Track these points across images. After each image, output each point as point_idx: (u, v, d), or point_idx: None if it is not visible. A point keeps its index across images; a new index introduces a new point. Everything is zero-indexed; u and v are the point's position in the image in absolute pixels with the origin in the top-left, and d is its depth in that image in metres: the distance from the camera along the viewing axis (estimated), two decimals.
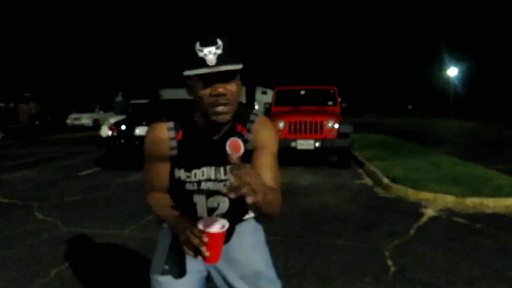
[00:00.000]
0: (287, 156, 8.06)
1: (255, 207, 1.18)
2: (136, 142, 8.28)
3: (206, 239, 1.13)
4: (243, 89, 21.75)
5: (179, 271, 1.43)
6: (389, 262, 3.34)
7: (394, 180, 6.17)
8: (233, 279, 1.46)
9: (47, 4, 24.38)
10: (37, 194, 6.11)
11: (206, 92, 1.18)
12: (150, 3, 27.99)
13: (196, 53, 1.15)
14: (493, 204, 5.00)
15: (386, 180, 6.21)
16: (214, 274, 1.50)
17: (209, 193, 1.37)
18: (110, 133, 8.66)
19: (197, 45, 1.15)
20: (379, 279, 3.02)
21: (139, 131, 8.32)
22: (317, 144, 7.71)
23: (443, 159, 8.37)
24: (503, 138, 14.89)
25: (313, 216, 4.77)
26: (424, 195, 5.42)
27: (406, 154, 9.12)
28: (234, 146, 1.24)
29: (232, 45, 1.18)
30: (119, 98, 23.56)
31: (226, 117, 1.22)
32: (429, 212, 4.85)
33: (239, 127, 1.33)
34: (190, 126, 1.33)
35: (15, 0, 23.00)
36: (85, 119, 24.43)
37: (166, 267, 1.45)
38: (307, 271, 3.18)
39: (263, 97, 28.00)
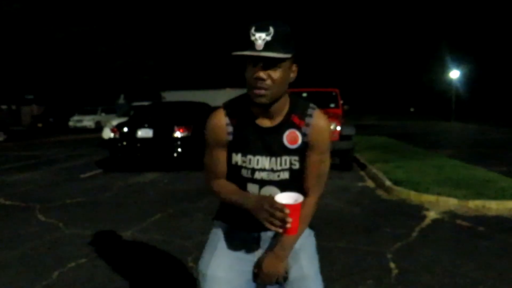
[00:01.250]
0: None
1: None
2: (138, 144, 8.30)
3: (287, 211, 1.17)
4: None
5: (227, 269, 1.44)
6: (392, 265, 3.33)
7: (396, 182, 6.16)
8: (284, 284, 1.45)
9: (50, 7, 24.46)
10: (39, 196, 6.12)
11: (250, 74, 1.25)
12: (152, 6, 28.06)
13: (249, 36, 1.20)
14: (495, 206, 4.98)
15: (388, 183, 6.19)
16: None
17: (263, 183, 1.38)
18: (112, 135, 8.67)
19: (252, 29, 1.21)
20: (381, 282, 3.01)
21: (141, 133, 8.33)
22: None
23: (446, 162, 8.35)
24: (506, 141, 14.85)
25: (315, 218, 4.74)
26: (427, 198, 5.40)
27: (408, 157, 9.10)
28: (292, 138, 1.33)
29: (285, 34, 1.22)
30: (121, 100, 23.55)
31: (263, 100, 1.25)
32: (432, 214, 4.84)
33: (295, 118, 1.35)
34: (245, 113, 1.37)
35: (19, 3, 23.09)
36: (87, 121, 24.45)
37: (214, 262, 1.46)
38: None
39: None
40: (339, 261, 3.43)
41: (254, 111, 1.35)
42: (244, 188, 1.40)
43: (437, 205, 5.21)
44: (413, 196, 5.55)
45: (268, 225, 1.20)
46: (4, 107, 28.08)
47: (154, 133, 8.28)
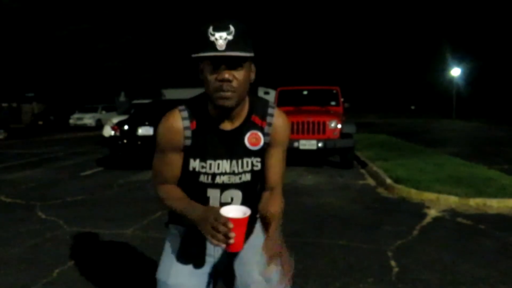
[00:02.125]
0: (289, 156, 8.02)
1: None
2: (139, 142, 8.29)
3: (231, 225, 1.12)
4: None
5: (188, 275, 1.41)
6: (392, 263, 3.32)
7: (397, 180, 6.15)
8: (246, 280, 1.43)
9: (50, 5, 24.44)
10: (40, 193, 6.12)
11: (213, 76, 1.19)
12: (153, 3, 28.02)
13: (208, 37, 1.15)
14: (496, 204, 4.98)
15: (389, 181, 6.19)
16: (237, 278, 1.45)
17: (224, 187, 1.35)
18: (112, 133, 8.68)
19: (210, 29, 1.15)
20: (382, 280, 3.01)
21: (142, 131, 8.33)
22: (319, 144, 7.70)
23: (446, 160, 8.34)
24: (507, 139, 14.83)
25: (316, 216, 4.76)
26: (427, 196, 5.40)
27: (409, 155, 9.08)
28: (254, 139, 1.30)
29: (245, 33, 1.18)
30: (121, 98, 23.53)
31: (229, 103, 1.20)
32: (432, 212, 4.83)
33: (256, 119, 1.33)
34: (204, 116, 1.31)
35: (19, 2, 23.07)
36: (88, 119, 24.45)
37: (174, 270, 1.42)
38: (309, 271, 3.17)
39: (266, 97, 27.87)
40: (340, 259, 3.42)
41: (213, 114, 1.29)
42: (203, 193, 1.36)
43: (438, 203, 5.20)
44: (414, 194, 5.54)
45: (210, 239, 1.14)
46: (4, 105, 28.10)
47: (154, 131, 8.27)
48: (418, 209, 4.99)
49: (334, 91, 9.62)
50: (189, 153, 1.32)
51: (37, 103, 30.18)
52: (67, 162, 9.67)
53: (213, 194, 1.36)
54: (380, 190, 6.16)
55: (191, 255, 1.41)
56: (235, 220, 1.14)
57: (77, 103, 27.87)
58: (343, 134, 7.90)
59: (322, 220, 4.58)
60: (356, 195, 5.88)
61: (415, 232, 4.11)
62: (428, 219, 4.56)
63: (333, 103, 9.41)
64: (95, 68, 28.59)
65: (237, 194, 1.37)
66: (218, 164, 1.32)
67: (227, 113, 1.27)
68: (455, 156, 8.90)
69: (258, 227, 1.52)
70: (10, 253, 3.66)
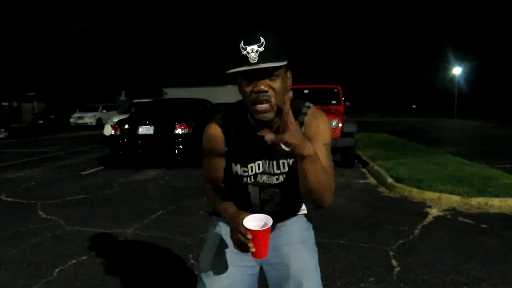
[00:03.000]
0: None
1: (307, 189, 1.19)
2: (139, 141, 8.29)
3: (250, 236, 1.16)
4: None
5: (228, 264, 1.45)
6: (394, 262, 3.31)
7: (398, 179, 6.13)
8: (284, 275, 1.44)
9: (51, 4, 24.43)
10: (41, 193, 6.11)
11: (248, 89, 1.20)
12: (153, 2, 27.99)
13: (240, 51, 1.17)
14: (498, 204, 4.96)
15: (390, 180, 6.17)
16: (267, 269, 1.49)
17: (262, 186, 1.39)
18: (113, 132, 8.67)
19: (241, 44, 1.17)
20: (383, 279, 3.00)
21: (142, 130, 8.32)
22: None
23: (448, 159, 8.32)
24: (508, 138, 14.80)
25: (316, 215, 4.74)
26: (429, 195, 5.38)
27: (410, 154, 9.07)
28: None
29: (276, 42, 1.19)
30: (122, 97, 23.59)
31: (268, 116, 1.21)
32: (434, 212, 4.82)
33: None
34: (243, 123, 1.35)
35: (20, 1, 23.06)
36: (89, 118, 24.47)
37: (215, 259, 1.47)
38: None
39: None
40: (341, 258, 3.41)
41: (252, 121, 1.32)
42: (245, 190, 1.41)
43: (439, 202, 5.18)
44: (415, 193, 5.52)
45: (234, 246, 1.22)
46: (5, 104, 28.11)
47: (155, 130, 8.27)
48: (420, 209, 4.97)
49: (335, 90, 9.60)
50: (230, 158, 1.39)
51: (38, 102, 30.20)
52: (68, 161, 9.67)
53: (253, 192, 1.41)
54: (381, 189, 6.14)
55: (231, 246, 1.41)
56: (254, 232, 1.17)
57: (77, 102, 27.88)
58: (344, 133, 7.88)
59: (322, 219, 4.57)
60: (357, 194, 5.86)
61: (417, 232, 4.09)
62: (429, 219, 4.55)
63: (334, 102, 9.39)
64: (96, 67, 28.60)
65: (276, 193, 1.41)
66: (258, 165, 1.37)
67: (266, 123, 1.27)
68: (457, 155, 8.88)
69: (302, 224, 1.54)
70: (11, 252, 3.66)
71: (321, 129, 1.34)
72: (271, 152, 1.32)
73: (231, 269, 1.44)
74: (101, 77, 29.58)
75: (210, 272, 1.45)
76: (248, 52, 1.16)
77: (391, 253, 3.50)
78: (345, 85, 10.36)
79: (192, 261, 3.37)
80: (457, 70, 37.27)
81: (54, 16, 25.09)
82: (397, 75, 52.92)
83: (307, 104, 1.38)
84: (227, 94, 19.85)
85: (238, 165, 1.37)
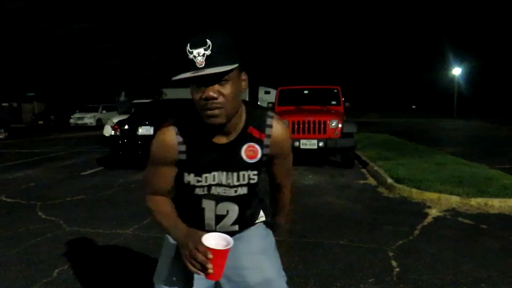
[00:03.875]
0: None
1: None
2: (139, 142, 8.28)
3: (210, 256, 1.09)
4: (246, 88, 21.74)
5: (185, 280, 1.37)
6: (393, 263, 3.31)
7: (398, 180, 6.13)
8: (243, 287, 1.41)
9: (51, 4, 24.43)
10: (40, 193, 6.11)
11: (198, 95, 1.15)
12: (153, 2, 27.99)
13: (187, 55, 1.11)
14: (498, 204, 4.96)
15: (390, 180, 6.17)
16: (222, 281, 1.42)
17: (219, 199, 1.32)
18: (113, 132, 8.67)
19: (188, 47, 1.11)
20: (383, 280, 3.00)
21: (142, 130, 8.32)
22: (320, 144, 7.68)
23: (448, 159, 8.32)
24: (508, 138, 14.80)
25: (316, 216, 4.74)
26: (429, 195, 5.38)
27: (410, 154, 9.07)
28: (251, 152, 1.25)
29: (225, 44, 1.12)
30: (122, 98, 23.58)
31: (219, 120, 1.16)
32: (434, 212, 4.82)
33: (253, 131, 1.27)
34: (198, 130, 1.26)
35: (20, 1, 23.07)
36: (88, 119, 24.48)
37: (171, 276, 1.40)
38: (310, 271, 3.15)
39: (266, 97, 27.98)
40: (340, 259, 3.41)
41: (207, 128, 1.23)
42: (198, 204, 1.34)
43: (439, 202, 5.18)
44: (415, 194, 5.52)
45: (188, 266, 1.12)
46: (5, 104, 28.11)
47: (155, 131, 8.25)
48: (419, 209, 4.97)
49: (335, 91, 9.60)
50: (183, 167, 1.30)
51: (38, 102, 30.21)
52: (68, 161, 9.67)
53: (208, 206, 1.33)
54: (381, 189, 6.14)
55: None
56: (215, 251, 1.09)
57: (77, 103, 27.89)
58: (344, 134, 7.89)
59: (322, 220, 4.57)
60: (357, 194, 5.86)
61: (416, 232, 4.09)
62: (429, 219, 4.55)
63: (334, 102, 9.39)
64: (96, 67, 28.57)
65: (233, 208, 1.34)
66: (214, 176, 1.29)
67: (221, 128, 1.22)
68: (456, 156, 8.88)
69: (261, 231, 1.49)
70: (10, 253, 3.65)
71: (286, 145, 1.33)
72: (230, 163, 1.27)
73: (189, 285, 1.38)
74: (101, 78, 29.56)
75: (167, 285, 1.40)
76: (194, 56, 1.09)
77: (391, 254, 3.50)
78: (345, 86, 10.37)
79: None
80: (456, 71, 37.29)
81: (54, 16, 25.08)
82: (396, 75, 52.95)
83: (269, 113, 1.31)
84: None
85: (192, 175, 1.28)
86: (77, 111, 25.63)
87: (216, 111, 1.14)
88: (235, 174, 1.29)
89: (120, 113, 15.06)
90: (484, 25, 44.65)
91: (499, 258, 3.39)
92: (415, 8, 50.53)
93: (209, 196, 1.32)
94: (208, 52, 1.09)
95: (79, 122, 24.47)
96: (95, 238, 4.02)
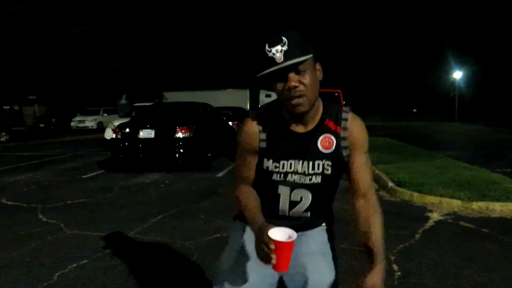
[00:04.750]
0: None
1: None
2: (140, 145, 8.29)
3: (273, 247, 1.15)
4: (247, 93, 21.79)
5: (249, 270, 1.42)
6: (395, 267, 3.30)
7: (399, 183, 6.12)
8: (301, 286, 1.43)
9: (52, 7, 24.52)
10: (41, 196, 6.12)
11: (280, 88, 1.26)
12: (153, 5, 28.06)
13: (266, 54, 1.22)
14: (499, 208, 4.95)
15: (391, 184, 6.16)
16: (286, 279, 1.46)
17: (294, 186, 1.39)
18: (114, 135, 8.67)
19: (266, 47, 1.22)
20: (384, 284, 2.98)
21: (143, 133, 8.33)
22: None
23: (449, 163, 8.30)
24: (509, 142, 14.78)
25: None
26: (430, 199, 5.37)
27: (411, 158, 9.05)
28: (326, 142, 1.36)
29: (298, 39, 1.24)
30: (123, 101, 23.56)
31: (303, 108, 1.27)
32: (435, 216, 4.81)
33: (330, 123, 1.37)
34: (278, 119, 1.38)
35: (21, 4, 23.15)
36: (89, 122, 24.50)
37: (236, 264, 1.45)
38: None
39: (267, 100, 27.97)
40: (342, 262, 3.39)
41: (287, 118, 1.36)
42: (275, 191, 1.41)
43: (440, 206, 5.17)
44: (416, 198, 5.51)
45: (257, 255, 1.20)
46: (6, 107, 28.15)
47: (155, 134, 8.27)
48: (421, 213, 4.96)
49: (336, 94, 9.62)
50: (264, 154, 1.39)
51: (39, 105, 30.23)
52: (69, 164, 9.67)
53: (283, 192, 1.40)
54: (382, 193, 6.13)
55: (253, 253, 1.39)
56: (278, 243, 1.16)
57: (78, 106, 27.91)
58: None
59: None
60: None
61: (418, 236, 4.08)
62: (430, 223, 4.54)
63: None
64: (97, 70, 28.64)
65: (307, 195, 1.40)
66: (291, 164, 1.37)
67: (301, 117, 1.33)
68: (458, 159, 8.87)
69: (323, 235, 1.52)
70: (11, 256, 3.65)
71: (365, 138, 1.40)
72: (306, 152, 1.36)
73: (251, 276, 1.42)
74: (102, 81, 29.62)
75: (230, 277, 1.44)
76: (273, 54, 1.20)
77: (392, 258, 3.50)
78: (345, 89, 10.38)
79: (192, 265, 3.36)
80: (457, 74, 37.31)
81: (55, 19, 25.17)
82: (397, 79, 52.96)
83: (344, 108, 1.41)
84: (228, 98, 19.86)
85: (271, 161, 1.37)
86: (78, 114, 25.65)
87: (300, 100, 1.25)
88: (310, 162, 1.36)
89: (121, 116, 15.06)
90: (485, 29, 44.70)
91: (500, 262, 3.38)
92: (416, 12, 50.61)
93: (285, 183, 1.39)
94: (285, 48, 1.20)
95: (80, 125, 24.49)
96: (96, 241, 4.02)
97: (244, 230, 1.51)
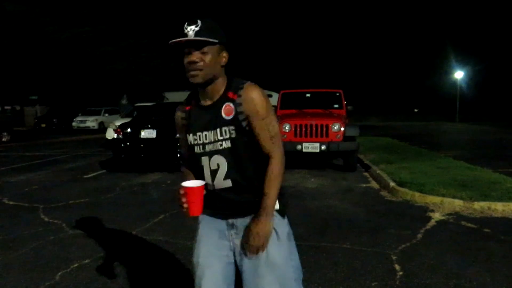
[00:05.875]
0: (292, 159, 8.03)
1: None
2: (142, 145, 8.30)
3: (182, 192, 1.47)
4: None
5: (208, 255, 1.64)
6: (397, 267, 3.30)
7: (400, 183, 6.12)
8: (254, 268, 1.59)
9: (54, 8, 24.55)
10: (43, 196, 6.12)
11: (185, 60, 1.50)
12: (154, 6, 28.08)
13: (183, 30, 1.48)
14: (501, 208, 4.94)
15: (392, 184, 6.15)
16: (238, 259, 1.64)
17: (210, 154, 1.57)
18: (115, 135, 8.68)
19: (185, 25, 1.48)
20: (386, 284, 2.98)
21: (145, 133, 8.33)
22: (322, 147, 7.67)
23: (450, 163, 8.30)
24: (511, 142, 14.75)
25: (319, 219, 4.74)
26: (431, 199, 5.36)
27: (413, 158, 9.05)
28: (227, 110, 1.54)
29: (211, 26, 1.49)
30: (124, 101, 23.56)
31: (197, 79, 1.49)
32: (437, 216, 4.80)
33: (229, 94, 1.56)
34: (194, 99, 1.64)
35: (23, 4, 23.18)
36: (91, 122, 24.51)
37: (198, 252, 1.67)
38: (313, 275, 3.15)
39: None
40: (343, 262, 3.40)
41: (200, 96, 1.60)
42: (199, 163, 1.61)
43: (442, 206, 5.17)
44: (418, 198, 5.51)
45: (180, 207, 1.48)
46: (8, 107, 28.18)
47: (157, 134, 8.28)
48: (422, 213, 4.95)
49: (337, 94, 9.59)
50: (187, 130, 1.64)
51: (40, 106, 30.26)
52: (70, 164, 9.68)
53: (205, 162, 1.59)
54: (384, 193, 6.13)
55: (210, 238, 1.66)
56: (186, 188, 1.46)
57: (80, 106, 27.93)
58: (346, 137, 7.87)
59: (325, 223, 4.56)
60: (360, 198, 5.85)
61: (419, 236, 4.08)
62: (432, 223, 4.53)
63: (336, 106, 9.38)
64: (98, 71, 28.67)
65: (222, 161, 1.56)
66: (206, 135, 1.58)
67: (205, 92, 1.56)
68: (459, 159, 8.86)
69: (274, 220, 1.61)
70: (13, 255, 3.66)
71: (257, 104, 1.52)
72: (214, 121, 1.56)
73: (210, 260, 1.63)
74: (103, 81, 29.64)
75: (195, 264, 1.66)
76: (188, 31, 1.46)
77: (394, 258, 3.49)
78: (347, 89, 10.36)
79: None
80: (459, 74, 37.24)
81: (56, 20, 25.20)
82: (399, 79, 52.92)
83: (244, 81, 1.58)
84: None
85: (191, 135, 1.61)
86: (79, 114, 25.67)
87: (196, 72, 1.48)
88: (218, 130, 1.55)
89: (123, 117, 15.07)
90: (486, 29, 44.62)
91: (502, 262, 3.38)
92: (418, 12, 50.54)
93: (204, 154, 1.59)
94: (197, 28, 1.46)
95: (82, 125, 24.51)
96: (97, 241, 4.02)
97: (203, 218, 1.69)
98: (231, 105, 1.53)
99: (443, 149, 11.85)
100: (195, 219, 1.72)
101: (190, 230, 4.29)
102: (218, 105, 1.56)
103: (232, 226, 1.62)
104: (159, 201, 5.71)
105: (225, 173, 1.56)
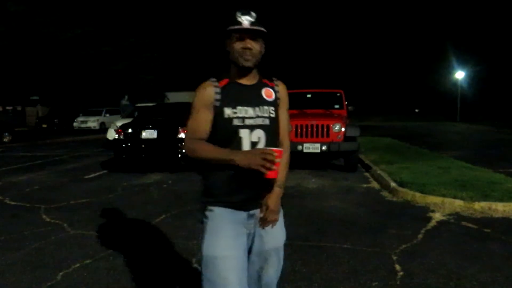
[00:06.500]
0: (293, 159, 7.99)
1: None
2: (143, 145, 8.31)
3: (275, 154, 1.54)
4: None
5: (229, 247, 1.67)
6: (397, 267, 3.30)
7: (401, 184, 6.12)
8: (266, 248, 1.79)
9: (55, 8, 24.58)
10: (44, 196, 6.14)
11: (239, 45, 1.66)
12: (156, 6, 28.10)
13: (236, 19, 1.64)
14: (502, 208, 4.94)
15: (393, 184, 6.16)
16: (248, 243, 1.77)
17: (252, 128, 1.69)
18: (116, 136, 8.69)
19: (238, 13, 1.65)
20: (387, 284, 2.99)
21: (146, 134, 8.35)
22: (323, 148, 7.67)
23: (451, 163, 8.30)
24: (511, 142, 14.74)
25: (320, 219, 4.74)
26: (432, 199, 5.37)
27: (413, 158, 9.05)
28: (268, 93, 1.78)
29: (260, 19, 1.67)
30: (125, 101, 23.58)
31: (249, 63, 1.67)
32: (437, 216, 4.80)
33: (266, 81, 1.81)
34: (228, 78, 1.75)
35: (24, 5, 23.22)
36: (92, 122, 24.50)
37: (219, 245, 1.67)
38: (314, 275, 3.15)
39: None
40: (344, 262, 3.41)
41: (234, 75, 1.74)
42: (236, 135, 1.68)
43: (443, 206, 5.17)
44: (419, 198, 5.51)
45: (260, 169, 1.53)
46: (9, 108, 28.22)
47: (158, 134, 8.29)
48: (423, 213, 4.96)
49: (338, 94, 9.60)
50: (222, 104, 1.69)
51: (42, 106, 30.29)
52: (71, 165, 9.70)
53: (244, 135, 1.69)
54: (385, 193, 6.13)
55: (230, 230, 1.70)
56: (277, 151, 1.56)
57: (81, 106, 27.95)
58: (347, 137, 7.88)
59: (326, 224, 4.56)
60: (360, 198, 5.86)
61: (420, 236, 4.08)
62: (433, 223, 4.54)
63: (337, 106, 9.39)
64: (99, 71, 28.71)
65: (262, 135, 1.70)
66: (246, 110, 1.70)
67: (246, 74, 1.73)
68: (460, 160, 8.86)
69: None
70: (15, 256, 3.67)
71: (287, 96, 1.86)
72: (255, 99, 1.74)
73: (234, 251, 1.67)
74: (104, 81, 29.68)
75: (220, 258, 1.65)
76: (242, 20, 1.63)
77: (395, 258, 3.50)
78: (348, 89, 10.37)
79: (195, 265, 3.37)
80: (460, 74, 37.21)
81: (57, 20, 25.23)
82: (400, 79, 52.88)
83: (274, 78, 1.85)
84: None
85: (230, 108, 1.69)
86: (80, 115, 25.67)
87: (250, 57, 1.66)
88: (259, 107, 1.73)
89: (124, 117, 15.08)
90: (487, 28, 44.59)
91: (503, 262, 3.38)
92: (419, 12, 50.51)
93: (244, 126, 1.69)
94: (252, 19, 1.64)
95: (83, 125, 24.51)
96: (99, 241, 4.03)
97: (220, 211, 1.71)
98: (271, 90, 1.79)
99: (444, 149, 11.85)
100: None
101: (191, 230, 4.30)
102: (258, 87, 1.76)
103: (252, 216, 1.74)
104: (160, 202, 5.72)
105: (263, 146, 1.69)
